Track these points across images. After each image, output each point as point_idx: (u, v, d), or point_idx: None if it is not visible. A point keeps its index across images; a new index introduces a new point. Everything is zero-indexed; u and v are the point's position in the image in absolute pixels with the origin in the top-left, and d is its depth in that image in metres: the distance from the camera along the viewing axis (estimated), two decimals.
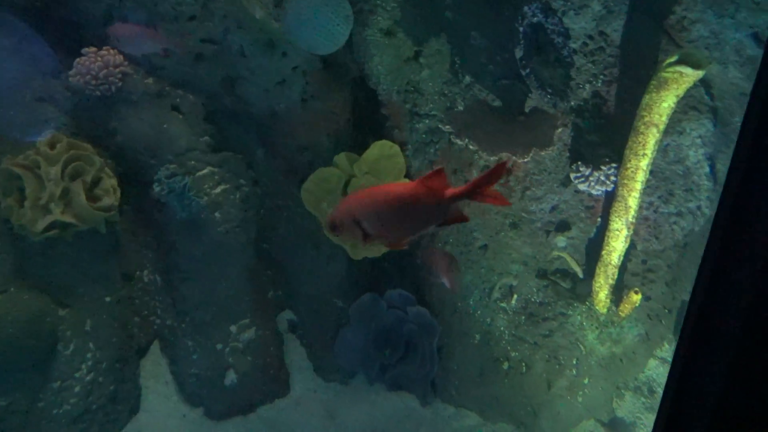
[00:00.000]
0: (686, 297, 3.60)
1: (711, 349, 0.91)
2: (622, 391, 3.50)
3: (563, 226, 3.45)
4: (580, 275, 3.32)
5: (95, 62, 3.17)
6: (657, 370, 3.53)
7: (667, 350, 3.60)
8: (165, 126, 3.36)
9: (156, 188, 3.26)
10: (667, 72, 2.74)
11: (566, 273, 3.47)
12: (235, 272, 3.45)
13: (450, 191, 1.87)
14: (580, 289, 3.42)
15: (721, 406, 0.87)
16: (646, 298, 3.47)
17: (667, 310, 3.57)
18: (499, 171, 1.88)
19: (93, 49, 3.20)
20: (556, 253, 3.37)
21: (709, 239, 0.94)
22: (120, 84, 3.23)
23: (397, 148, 3.47)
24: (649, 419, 3.35)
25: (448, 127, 3.24)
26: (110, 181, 3.14)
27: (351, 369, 3.66)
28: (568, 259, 3.33)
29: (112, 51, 3.25)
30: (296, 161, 3.59)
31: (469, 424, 3.39)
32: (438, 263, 2.66)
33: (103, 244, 3.25)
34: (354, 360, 3.57)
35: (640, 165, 3.01)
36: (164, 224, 3.39)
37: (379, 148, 3.47)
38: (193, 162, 3.40)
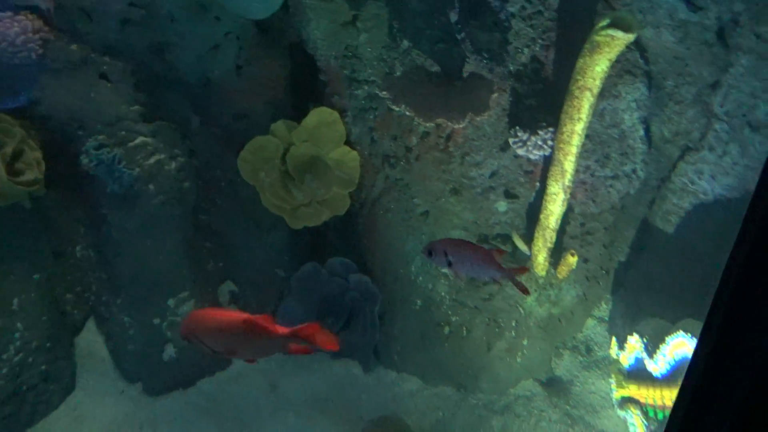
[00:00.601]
0: (623, 258, 3.70)
1: (735, 358, 0.89)
2: (561, 350, 3.59)
3: (504, 192, 3.47)
4: (527, 253, 3.35)
5: (11, 27, 2.99)
6: (595, 329, 3.63)
7: (604, 310, 3.70)
8: (92, 95, 3.22)
9: (84, 160, 3.14)
10: (599, 35, 2.74)
11: (507, 237, 3.50)
12: (171, 245, 3.36)
13: (279, 331, 2.10)
14: (520, 253, 3.46)
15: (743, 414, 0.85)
16: (584, 260, 3.54)
17: (604, 271, 3.65)
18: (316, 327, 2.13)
19: (9, 13, 3.03)
20: (514, 235, 3.38)
21: (734, 247, 0.90)
22: (41, 51, 3.07)
23: (336, 115, 3.41)
24: (585, 376, 3.45)
25: (384, 93, 3.19)
26: (33, 154, 3.01)
27: None
28: (517, 238, 3.35)
29: (30, 15, 3.08)
30: (233, 130, 3.50)
31: (410, 389, 3.43)
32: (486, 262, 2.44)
33: (29, 219, 3.13)
34: None
35: (576, 129, 3.02)
36: (95, 198, 3.28)
37: (318, 116, 3.41)
38: (123, 132, 3.27)
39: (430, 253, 2.42)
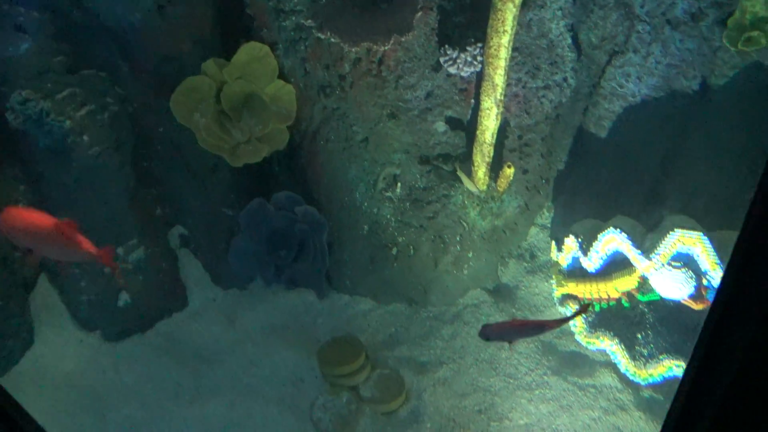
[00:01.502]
0: (561, 166, 3.80)
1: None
2: (506, 259, 3.73)
3: (440, 112, 3.51)
4: (473, 190, 3.42)
5: None
6: (538, 236, 3.77)
7: (547, 217, 3.83)
8: (10, 48, 3.13)
9: (10, 117, 3.08)
10: None
11: (448, 156, 3.57)
12: (113, 195, 3.36)
13: (83, 243, 2.27)
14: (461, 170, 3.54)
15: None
16: (523, 171, 3.64)
17: (544, 181, 3.76)
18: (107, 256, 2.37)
19: None
20: (459, 173, 3.44)
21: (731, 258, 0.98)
22: None
23: (267, 48, 3.38)
24: (530, 281, 3.61)
25: (310, 21, 3.16)
26: None
27: (248, 274, 3.72)
28: (464, 178, 3.41)
29: None
30: (163, 73, 3.44)
31: (363, 309, 3.56)
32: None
33: None
34: (250, 265, 3.63)
35: (502, 42, 3.05)
36: (29, 154, 3.24)
37: (249, 51, 3.37)
38: (49, 84, 3.21)
39: (488, 339, 2.60)
